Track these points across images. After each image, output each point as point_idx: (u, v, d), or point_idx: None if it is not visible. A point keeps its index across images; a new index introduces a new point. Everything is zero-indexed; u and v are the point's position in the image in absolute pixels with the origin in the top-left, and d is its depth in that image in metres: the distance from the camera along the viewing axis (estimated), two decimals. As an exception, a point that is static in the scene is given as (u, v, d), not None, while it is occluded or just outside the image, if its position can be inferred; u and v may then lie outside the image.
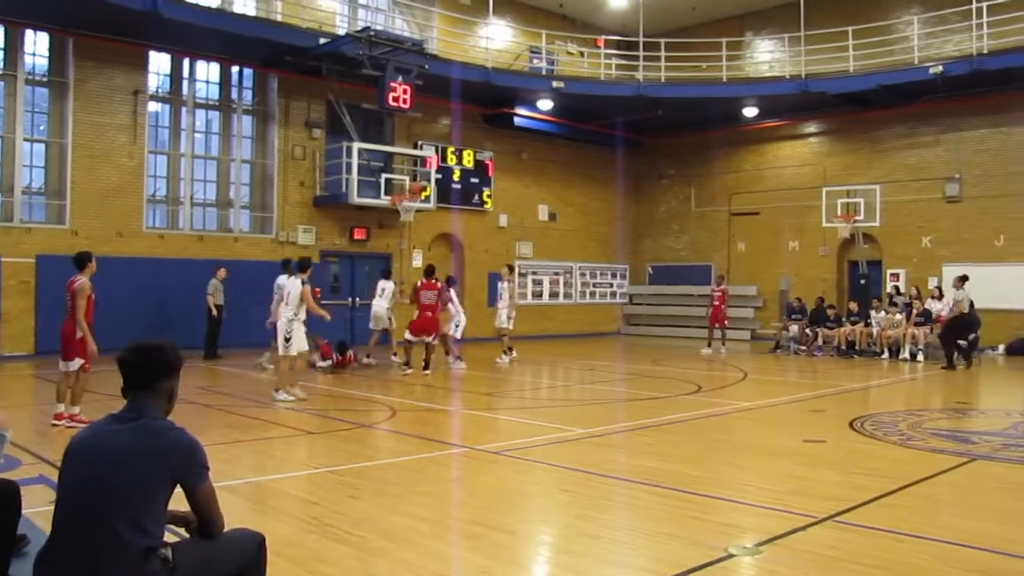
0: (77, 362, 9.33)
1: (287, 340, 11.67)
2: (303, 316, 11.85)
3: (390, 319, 16.97)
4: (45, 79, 18.24)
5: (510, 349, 17.80)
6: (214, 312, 17.39)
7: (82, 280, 9.34)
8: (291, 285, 11.90)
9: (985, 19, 20.07)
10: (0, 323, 16.80)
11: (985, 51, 20.15)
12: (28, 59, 17.88)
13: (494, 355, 17.75)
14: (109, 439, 3.20)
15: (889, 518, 5.82)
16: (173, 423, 3.33)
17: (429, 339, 15.28)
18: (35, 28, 17.77)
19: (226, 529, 3.45)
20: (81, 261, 9.52)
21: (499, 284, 18.78)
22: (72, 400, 9.44)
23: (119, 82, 18.56)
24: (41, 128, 18.31)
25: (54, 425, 9.22)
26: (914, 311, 19.18)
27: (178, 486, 3.25)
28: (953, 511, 6.31)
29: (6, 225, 17.24)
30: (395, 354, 16.85)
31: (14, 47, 17.63)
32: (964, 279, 17.63)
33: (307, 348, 12.39)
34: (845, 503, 6.13)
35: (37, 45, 18.10)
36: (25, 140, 17.81)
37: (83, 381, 9.52)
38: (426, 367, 15.06)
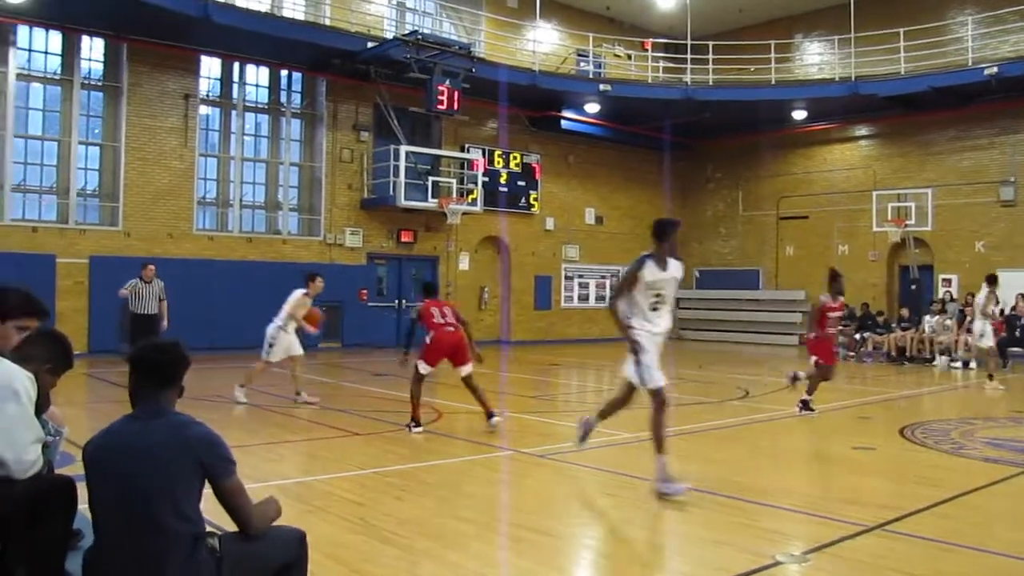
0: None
1: (270, 346, 11.36)
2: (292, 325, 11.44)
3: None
4: (100, 84, 18.65)
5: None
6: None
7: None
8: (293, 294, 11.55)
9: (1043, 19, 19.64)
10: (56, 323, 17.16)
11: (1043, 51, 19.72)
12: (84, 64, 18.31)
13: (538, 357, 17.37)
14: (136, 438, 3.22)
15: (940, 528, 5.71)
16: (193, 418, 3.38)
17: None
18: (91, 34, 18.16)
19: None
20: None
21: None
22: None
23: (171, 86, 18.91)
24: (96, 131, 18.69)
25: None
26: (967, 317, 18.78)
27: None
28: (1007, 523, 6.16)
29: (62, 227, 17.65)
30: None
31: (71, 52, 18.05)
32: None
33: (298, 353, 11.64)
34: (895, 512, 6.03)
35: (93, 51, 18.52)
36: (80, 143, 18.21)
37: None
38: None
